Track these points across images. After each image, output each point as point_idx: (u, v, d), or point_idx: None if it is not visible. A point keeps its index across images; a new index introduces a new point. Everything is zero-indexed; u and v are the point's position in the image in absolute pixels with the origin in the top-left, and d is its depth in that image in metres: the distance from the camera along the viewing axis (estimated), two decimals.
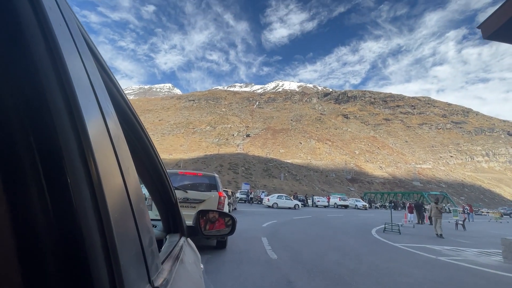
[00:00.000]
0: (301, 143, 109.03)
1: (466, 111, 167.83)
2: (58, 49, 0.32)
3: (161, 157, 1.02)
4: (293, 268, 4.78)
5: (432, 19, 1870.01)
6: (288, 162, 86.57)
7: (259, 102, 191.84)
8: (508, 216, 44.59)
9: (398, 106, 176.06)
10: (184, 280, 0.84)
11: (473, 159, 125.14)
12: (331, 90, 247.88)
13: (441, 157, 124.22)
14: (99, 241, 0.31)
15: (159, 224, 1.33)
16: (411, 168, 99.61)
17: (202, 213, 1.41)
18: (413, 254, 7.06)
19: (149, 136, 0.88)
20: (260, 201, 32.74)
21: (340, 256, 6.09)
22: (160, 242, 1.12)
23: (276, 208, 25.13)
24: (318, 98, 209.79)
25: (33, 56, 0.29)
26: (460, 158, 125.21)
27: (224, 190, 10.08)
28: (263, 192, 38.67)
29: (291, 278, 4.17)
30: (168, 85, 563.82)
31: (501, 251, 8.46)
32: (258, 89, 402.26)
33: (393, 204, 27.41)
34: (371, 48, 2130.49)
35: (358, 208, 35.96)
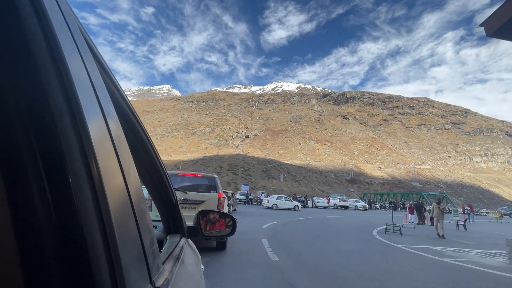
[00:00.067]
0: (300, 144, 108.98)
1: (465, 112, 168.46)
2: (59, 49, 0.32)
3: (162, 158, 1.02)
4: (295, 271, 4.64)
5: (430, 20, 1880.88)
6: (287, 163, 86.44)
7: (258, 103, 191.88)
8: (508, 217, 44.57)
9: (397, 107, 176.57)
10: (185, 280, 0.84)
11: (472, 159, 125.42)
12: (330, 91, 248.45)
13: (440, 157, 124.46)
14: (100, 241, 0.31)
15: (160, 225, 1.33)
16: (410, 168, 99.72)
17: (202, 214, 1.41)
18: (416, 255, 6.94)
19: (150, 137, 0.89)
20: (259, 202, 32.57)
21: (343, 258, 5.95)
22: (160, 243, 1.11)
23: (276, 209, 24.97)
24: (317, 99, 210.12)
25: (34, 57, 0.29)
26: (459, 159, 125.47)
27: (224, 191, 9.97)
28: (262, 193, 38.43)
29: (294, 282, 4.03)
30: (167, 86, 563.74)
31: (505, 252, 8.37)
32: (257, 90, 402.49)
33: (392, 205, 27.23)
34: (369, 49, 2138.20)
35: (358, 209, 35.82)
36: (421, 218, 18.45)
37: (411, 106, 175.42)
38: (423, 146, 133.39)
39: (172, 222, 1.25)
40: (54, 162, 0.28)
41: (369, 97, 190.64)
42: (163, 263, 0.70)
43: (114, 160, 0.41)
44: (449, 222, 17.44)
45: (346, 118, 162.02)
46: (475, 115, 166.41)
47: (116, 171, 0.40)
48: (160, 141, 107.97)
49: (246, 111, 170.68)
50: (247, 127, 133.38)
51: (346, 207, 36.12)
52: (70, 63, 0.33)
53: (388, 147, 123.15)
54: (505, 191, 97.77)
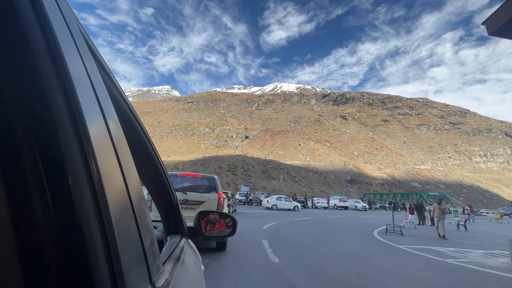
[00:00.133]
0: (299, 144, 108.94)
1: (464, 112, 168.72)
2: (59, 50, 0.32)
3: (162, 158, 1.02)
4: (296, 272, 4.58)
5: (429, 21, 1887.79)
6: (287, 164, 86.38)
7: (257, 104, 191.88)
8: (508, 217, 44.58)
9: (396, 107, 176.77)
10: (185, 281, 0.83)
11: (471, 159, 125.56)
12: (329, 91, 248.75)
13: (439, 157, 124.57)
14: (100, 242, 0.31)
15: (160, 225, 1.33)
16: (409, 169, 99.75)
17: (202, 214, 1.40)
18: (418, 256, 6.88)
19: (150, 137, 0.89)
20: (259, 202, 32.56)
21: (344, 259, 5.89)
22: (161, 243, 1.12)
23: (276, 209, 24.91)
24: (317, 99, 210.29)
25: (34, 57, 0.29)
26: (458, 159, 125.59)
27: (224, 192, 9.92)
28: (262, 193, 38.39)
29: (295, 283, 3.97)
30: (167, 87, 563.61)
31: (507, 252, 8.32)
32: (257, 91, 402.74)
33: (392, 205, 27.20)
34: (368, 49, 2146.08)
35: (358, 209, 35.78)
36: (422, 219, 18.41)
37: (410, 107, 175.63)
38: (422, 146, 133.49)
39: (173, 223, 1.24)
40: (54, 163, 0.28)
41: (368, 98, 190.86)
42: (164, 264, 0.70)
43: (114, 161, 0.41)
44: (449, 223, 17.38)
45: (345, 119, 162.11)
46: (474, 115, 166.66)
47: (116, 172, 0.40)
48: (159, 141, 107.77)
49: (246, 111, 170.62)
50: (246, 128, 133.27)
51: (346, 208, 36.04)
52: (70, 64, 0.33)
53: (388, 147, 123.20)
54: (505, 191, 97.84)
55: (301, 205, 30.97)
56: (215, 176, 6.51)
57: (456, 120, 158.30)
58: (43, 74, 0.29)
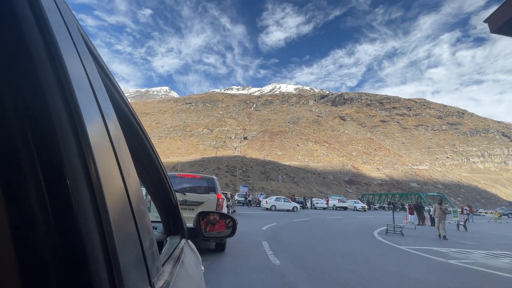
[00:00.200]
0: (298, 145, 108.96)
1: (461, 113, 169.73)
2: (58, 50, 0.32)
3: (161, 159, 1.02)
4: (298, 275, 4.45)
5: (426, 22, 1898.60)
6: (286, 165, 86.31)
7: (256, 105, 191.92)
8: (507, 216, 44.73)
9: (394, 108, 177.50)
10: (185, 282, 0.83)
11: (469, 160, 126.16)
12: (327, 92, 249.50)
13: (437, 158, 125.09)
14: (99, 243, 0.30)
15: (160, 226, 1.33)
16: (408, 169, 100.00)
17: (202, 215, 1.39)
18: (421, 257, 6.78)
19: (149, 138, 0.88)
20: (258, 203, 32.44)
21: (347, 261, 5.77)
22: (160, 244, 1.12)
23: (275, 210, 24.78)
24: (315, 100, 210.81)
25: (32, 58, 0.29)
26: (456, 159, 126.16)
27: (223, 193, 9.81)
28: (261, 194, 38.26)
29: (297, 287, 3.85)
30: (165, 88, 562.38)
31: (508, 252, 8.26)
32: (255, 91, 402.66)
33: (392, 206, 27.17)
34: (366, 50, 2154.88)
35: (357, 210, 35.77)
36: (421, 219, 18.37)
37: (408, 107, 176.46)
38: (420, 146, 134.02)
39: (172, 223, 1.24)
40: (52, 163, 0.28)
41: (366, 98, 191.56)
42: (163, 265, 0.69)
43: (113, 161, 0.41)
44: (449, 223, 17.36)
45: (344, 119, 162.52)
46: (471, 115, 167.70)
47: (115, 172, 0.40)
48: (158, 142, 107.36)
49: (244, 112, 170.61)
50: (245, 129, 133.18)
51: (345, 208, 35.99)
52: (68, 64, 0.33)
53: (386, 148, 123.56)
54: (502, 191, 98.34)
55: (300, 206, 30.85)
56: (214, 177, 6.47)
57: (453, 121, 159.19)
58: (42, 75, 0.29)
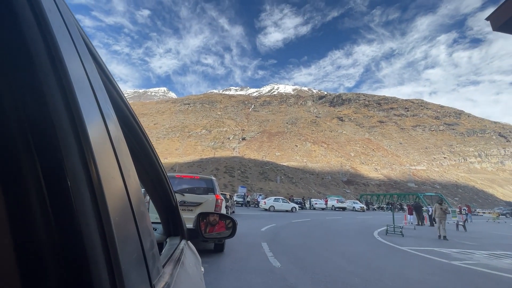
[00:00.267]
0: (296, 146, 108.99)
1: (458, 113, 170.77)
2: (58, 51, 0.32)
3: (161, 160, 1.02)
4: (299, 278, 4.34)
5: (423, 23, 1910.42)
6: (284, 165, 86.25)
7: (254, 106, 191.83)
8: (505, 216, 44.95)
9: (392, 108, 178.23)
10: (185, 283, 0.83)
11: (466, 160, 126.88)
12: (325, 93, 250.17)
13: (434, 158, 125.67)
14: (99, 245, 0.30)
15: (159, 227, 1.33)
16: (405, 169, 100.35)
17: (202, 216, 1.39)
18: (423, 258, 6.69)
19: (149, 138, 0.89)
20: (256, 204, 32.30)
21: (348, 263, 5.67)
22: (160, 245, 1.12)
23: (273, 211, 24.66)
24: (313, 101, 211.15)
25: (33, 58, 0.29)
26: (453, 159, 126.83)
27: (222, 194, 9.69)
28: (259, 195, 38.10)
29: None
30: (163, 89, 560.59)
31: (510, 253, 8.20)
32: (254, 92, 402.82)
33: (391, 206, 27.14)
34: (364, 51, 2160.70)
35: (356, 210, 35.80)
36: (420, 219, 18.33)
37: (406, 108, 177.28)
38: (418, 147, 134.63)
39: (172, 225, 1.24)
40: (53, 164, 0.28)
41: (364, 99, 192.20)
42: (163, 266, 0.69)
43: (113, 162, 0.40)
44: (448, 223, 17.34)
45: (342, 120, 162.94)
46: (468, 116, 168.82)
47: (115, 173, 0.40)
48: (156, 143, 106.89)
49: (243, 113, 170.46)
50: (243, 129, 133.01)
51: (344, 209, 35.97)
52: (69, 64, 0.33)
53: (384, 148, 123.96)
54: (499, 191, 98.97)
55: (299, 206, 30.77)
56: (213, 178, 6.45)
57: (451, 121, 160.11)
58: (42, 75, 0.29)
